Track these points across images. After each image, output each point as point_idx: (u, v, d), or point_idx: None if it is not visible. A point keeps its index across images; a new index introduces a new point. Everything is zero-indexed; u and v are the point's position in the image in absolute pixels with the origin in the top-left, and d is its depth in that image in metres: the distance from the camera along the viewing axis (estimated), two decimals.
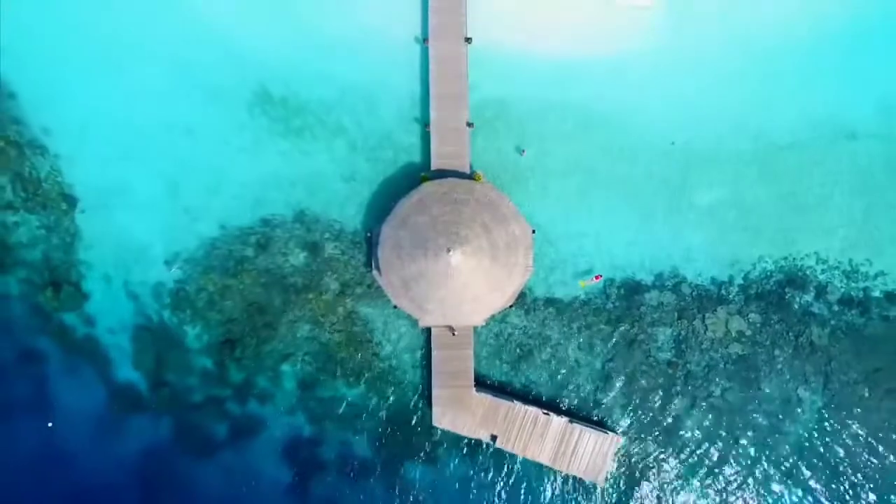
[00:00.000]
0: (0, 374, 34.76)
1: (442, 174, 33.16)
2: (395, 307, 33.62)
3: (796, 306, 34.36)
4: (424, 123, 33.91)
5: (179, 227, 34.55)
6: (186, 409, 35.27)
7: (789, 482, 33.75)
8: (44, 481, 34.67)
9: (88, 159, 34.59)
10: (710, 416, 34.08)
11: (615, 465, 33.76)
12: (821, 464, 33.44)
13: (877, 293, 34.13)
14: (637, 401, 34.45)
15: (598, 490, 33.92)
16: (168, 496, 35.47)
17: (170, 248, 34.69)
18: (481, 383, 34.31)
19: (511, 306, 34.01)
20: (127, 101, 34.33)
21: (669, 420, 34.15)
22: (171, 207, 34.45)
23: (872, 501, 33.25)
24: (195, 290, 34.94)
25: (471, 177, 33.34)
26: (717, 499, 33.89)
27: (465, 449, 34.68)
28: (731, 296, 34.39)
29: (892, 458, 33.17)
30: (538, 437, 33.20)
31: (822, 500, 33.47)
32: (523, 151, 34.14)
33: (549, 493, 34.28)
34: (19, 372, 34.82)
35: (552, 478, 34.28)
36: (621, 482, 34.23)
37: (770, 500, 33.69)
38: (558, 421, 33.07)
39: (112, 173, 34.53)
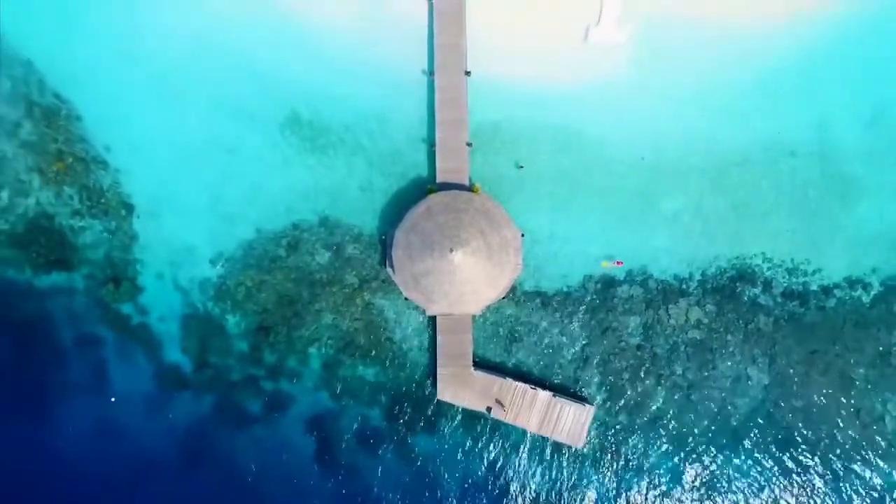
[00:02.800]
0: (69, 356, 38.12)
1: (445, 187, 36.09)
2: (405, 299, 36.58)
3: (746, 298, 37.31)
4: (430, 143, 36.85)
5: (221, 230, 37.90)
6: (226, 386, 38.51)
7: (739, 446, 37.19)
8: (106, 445, 38.29)
9: (144, 173, 37.77)
10: (673, 391, 37.44)
11: (592, 431, 36.95)
12: (766, 431, 37.11)
13: (814, 287, 37.24)
14: (610, 378, 37.59)
15: (577, 452, 37.34)
16: (209, 461, 38.58)
17: (213, 248, 38.04)
18: (478, 363, 37.20)
19: (504, 298, 36.89)
20: (177, 124, 37.38)
21: (638, 394, 37.45)
22: (214, 214, 37.78)
23: (809, 462, 36.90)
24: (235, 284, 38.06)
25: (470, 189, 36.25)
26: (677, 460, 37.41)
27: (465, 419, 37.82)
28: (690, 289, 37.42)
29: (827, 425, 36.90)
30: (527, 408, 36.23)
31: (767, 461, 37.19)
32: (521, 166, 37.03)
33: (535, 456, 37.70)
34: (84, 354, 38.33)
35: (538, 442, 37.51)
36: (597, 446, 37.54)
37: (721, 462, 37.18)
38: (544, 395, 36.14)
39: (164, 185, 37.73)
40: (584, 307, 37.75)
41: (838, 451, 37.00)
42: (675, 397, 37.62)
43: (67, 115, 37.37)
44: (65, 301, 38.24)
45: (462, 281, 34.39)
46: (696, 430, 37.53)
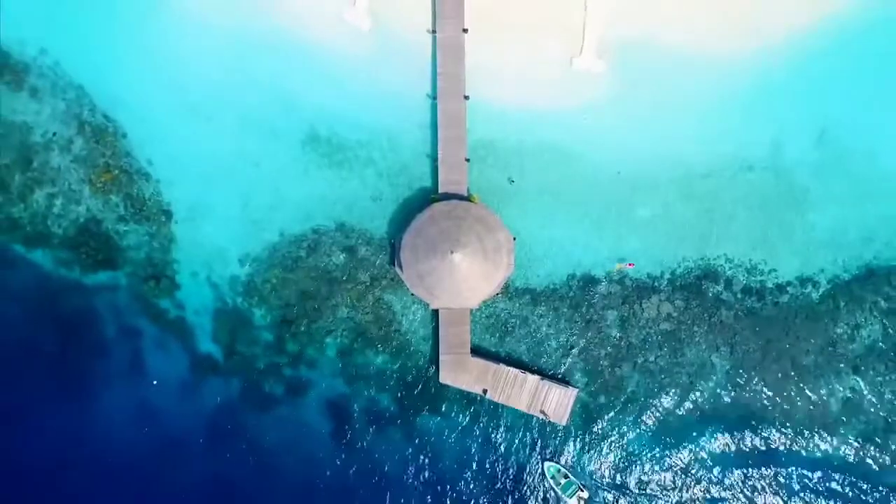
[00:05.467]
0: (114, 346, 41.75)
1: (447, 197, 38.98)
2: (412, 294, 39.79)
3: (710, 294, 40.56)
4: (433, 158, 39.74)
5: (249, 234, 41.18)
6: (253, 372, 41.85)
7: (703, 423, 40.92)
8: (146, 423, 41.86)
9: (181, 183, 41.09)
10: (646, 375, 40.91)
11: (574, 410, 40.22)
12: (728, 410, 40.75)
13: (770, 285, 40.56)
14: (591, 364, 41.06)
15: (562, 429, 40.81)
16: (236, 438, 41.90)
17: (242, 250, 41.26)
18: (476, 351, 40.36)
19: (498, 294, 39.94)
20: (210, 140, 40.57)
21: (615, 378, 40.96)
22: (243, 220, 41.07)
23: (764, 436, 40.85)
24: (261, 281, 41.35)
25: (468, 198, 39.13)
26: (649, 435, 41.10)
27: (464, 399, 41.15)
28: (661, 286, 40.75)
29: (780, 405, 40.67)
30: (518, 390, 39.60)
31: (728, 436, 41.05)
32: (513, 181, 40.40)
33: (525, 431, 41.37)
34: (128, 343, 41.86)
35: (527, 420, 41.13)
36: (579, 423, 41.07)
37: (687, 436, 41.02)
38: (532, 378, 39.50)
39: (199, 194, 41.09)
40: (568, 302, 41.24)
41: (790, 428, 41.01)
42: (648, 381, 41.28)
43: (114, 133, 40.84)
44: (110, 297, 41.74)
45: (461, 279, 37.78)
46: (665, 410, 41.45)
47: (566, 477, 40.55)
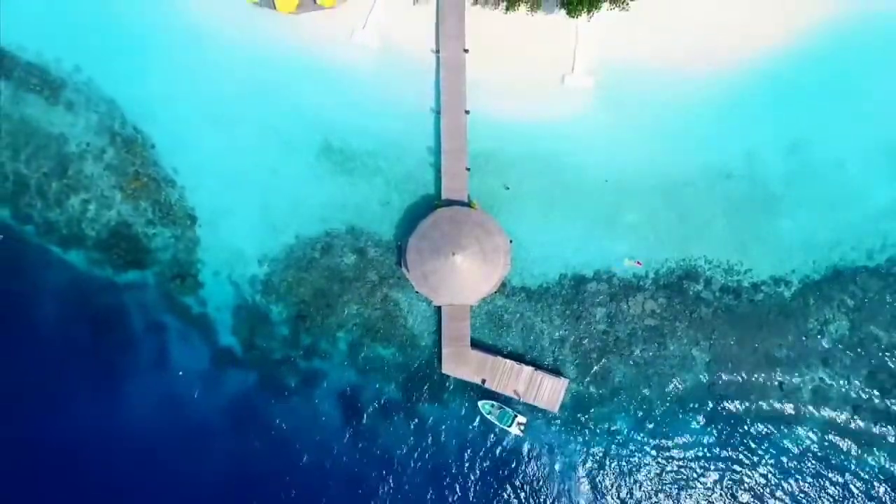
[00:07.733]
0: (142, 339, 44.75)
1: (449, 203, 41.50)
2: (417, 292, 42.35)
3: (691, 292, 43.41)
4: (437, 167, 42.43)
5: (267, 236, 43.81)
6: (270, 364, 44.54)
7: (683, 409, 44.01)
8: (170, 411, 44.80)
9: (205, 190, 43.90)
10: (632, 367, 43.75)
11: (566, 399, 42.84)
12: (707, 399, 43.89)
13: (746, 284, 43.45)
14: (581, 356, 43.79)
15: (554, 416, 43.51)
16: (254, 425, 44.78)
17: (260, 251, 44.02)
18: (475, 344, 42.94)
19: (496, 292, 42.37)
20: (232, 150, 43.29)
21: (603, 370, 43.72)
22: (262, 223, 43.73)
23: (740, 424, 43.87)
24: (278, 280, 44.14)
25: (469, 204, 41.66)
26: (634, 422, 44.01)
27: (464, 389, 43.76)
28: (646, 285, 43.62)
29: (755, 394, 43.72)
30: (513, 379, 42.17)
31: (707, 423, 44.13)
32: (508, 188, 43.12)
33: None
34: (155, 338, 44.94)
35: (521, 407, 43.72)
36: (569, 411, 43.83)
37: (669, 423, 44.01)
38: (527, 369, 42.17)
39: (221, 199, 43.81)
40: (560, 300, 44.02)
41: (764, 415, 44.21)
42: (634, 372, 44.11)
43: (143, 143, 43.74)
44: (139, 294, 44.70)
45: (462, 278, 40.23)
46: (649, 399, 44.41)
47: (500, 408, 42.85)
